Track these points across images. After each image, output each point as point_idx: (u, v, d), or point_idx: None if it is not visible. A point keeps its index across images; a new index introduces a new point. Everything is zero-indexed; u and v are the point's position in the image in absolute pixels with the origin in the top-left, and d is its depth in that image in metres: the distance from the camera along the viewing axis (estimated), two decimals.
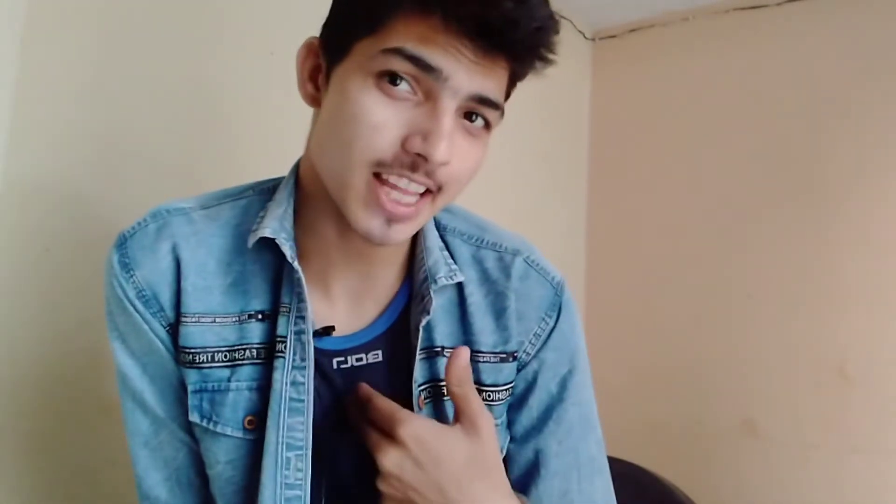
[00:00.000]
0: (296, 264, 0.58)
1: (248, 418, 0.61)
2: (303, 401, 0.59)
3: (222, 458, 0.61)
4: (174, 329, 0.61)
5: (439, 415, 0.64)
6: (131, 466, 0.65)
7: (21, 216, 0.83)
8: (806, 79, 1.73)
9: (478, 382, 0.64)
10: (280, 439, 0.59)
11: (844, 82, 1.68)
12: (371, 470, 0.58)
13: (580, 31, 2.03)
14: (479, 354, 0.65)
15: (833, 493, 1.60)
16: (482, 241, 0.69)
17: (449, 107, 0.52)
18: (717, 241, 1.82)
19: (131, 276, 0.60)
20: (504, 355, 0.66)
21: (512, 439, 0.69)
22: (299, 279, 0.59)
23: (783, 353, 1.69)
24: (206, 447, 0.62)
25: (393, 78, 0.51)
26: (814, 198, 1.69)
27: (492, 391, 0.66)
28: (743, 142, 1.81)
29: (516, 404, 0.69)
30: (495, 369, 0.66)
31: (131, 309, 0.60)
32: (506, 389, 0.67)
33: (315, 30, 0.59)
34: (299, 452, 0.59)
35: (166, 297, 0.60)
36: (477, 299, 0.66)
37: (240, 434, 0.61)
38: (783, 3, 1.77)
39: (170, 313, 0.61)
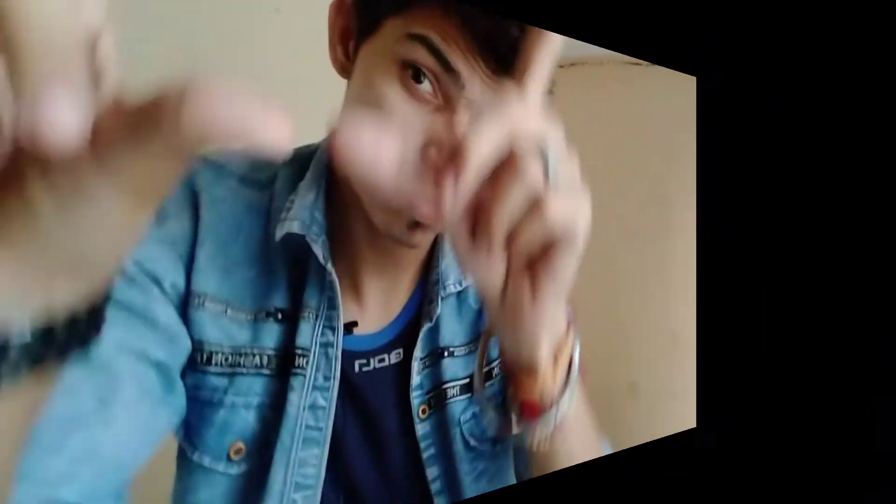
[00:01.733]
0: (329, 266, 0.50)
1: (236, 446, 0.50)
2: (321, 429, 0.50)
3: (197, 495, 0.50)
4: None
5: (441, 426, 0.57)
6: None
7: None
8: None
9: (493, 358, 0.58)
10: (288, 478, 0.49)
11: None
12: (393, 494, 0.50)
13: None
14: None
15: None
16: None
17: (464, 120, 0.49)
18: None
19: None
20: None
21: None
22: (332, 282, 0.51)
23: None
24: (179, 478, 0.52)
25: (416, 73, 0.48)
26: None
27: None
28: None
29: None
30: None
31: None
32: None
33: None
34: (308, 493, 0.49)
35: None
36: None
37: (220, 467, 0.50)
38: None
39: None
